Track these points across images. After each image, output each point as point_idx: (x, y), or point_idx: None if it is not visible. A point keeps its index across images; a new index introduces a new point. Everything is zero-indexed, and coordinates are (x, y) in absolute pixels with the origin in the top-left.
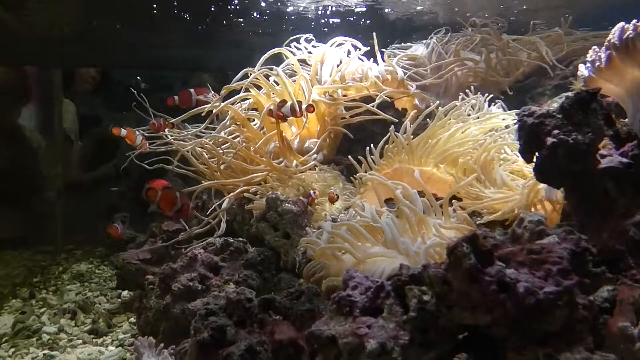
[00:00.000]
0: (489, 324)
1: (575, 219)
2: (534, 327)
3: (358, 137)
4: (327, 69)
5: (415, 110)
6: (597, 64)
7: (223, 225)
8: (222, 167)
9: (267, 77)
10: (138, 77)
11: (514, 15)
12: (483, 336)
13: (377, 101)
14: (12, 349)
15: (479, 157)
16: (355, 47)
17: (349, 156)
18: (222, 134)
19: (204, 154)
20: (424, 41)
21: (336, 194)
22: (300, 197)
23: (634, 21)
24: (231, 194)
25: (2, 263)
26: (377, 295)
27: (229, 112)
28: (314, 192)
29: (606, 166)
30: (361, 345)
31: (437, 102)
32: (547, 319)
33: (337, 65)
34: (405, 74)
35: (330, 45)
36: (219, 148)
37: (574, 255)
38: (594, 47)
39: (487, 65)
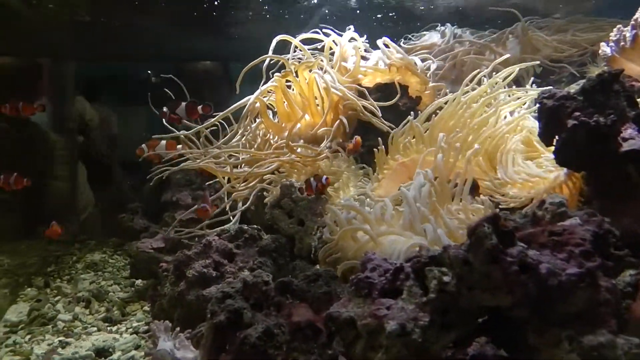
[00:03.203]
0: (510, 306)
1: (596, 203)
2: (556, 309)
3: (372, 125)
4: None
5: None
6: (622, 43)
7: (237, 216)
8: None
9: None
10: (149, 72)
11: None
12: (503, 319)
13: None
14: (29, 336)
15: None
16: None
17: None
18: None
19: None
20: (438, 29)
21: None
22: (310, 179)
23: None
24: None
25: (18, 253)
26: (396, 276)
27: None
28: (326, 178)
29: (628, 149)
30: (380, 326)
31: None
32: (570, 301)
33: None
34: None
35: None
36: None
37: (596, 237)
38: (618, 25)
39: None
